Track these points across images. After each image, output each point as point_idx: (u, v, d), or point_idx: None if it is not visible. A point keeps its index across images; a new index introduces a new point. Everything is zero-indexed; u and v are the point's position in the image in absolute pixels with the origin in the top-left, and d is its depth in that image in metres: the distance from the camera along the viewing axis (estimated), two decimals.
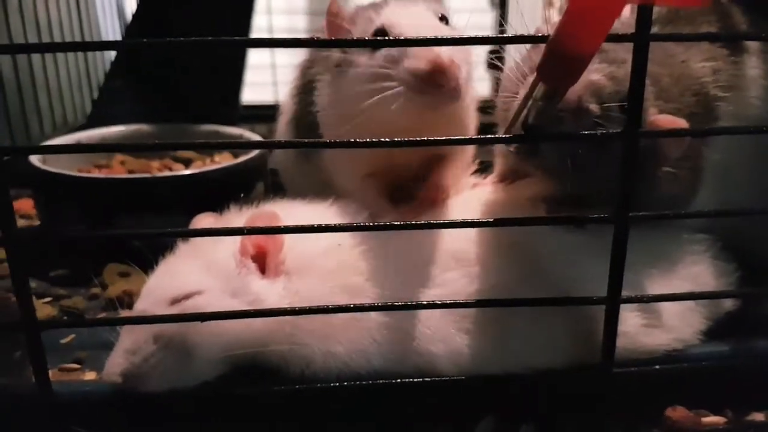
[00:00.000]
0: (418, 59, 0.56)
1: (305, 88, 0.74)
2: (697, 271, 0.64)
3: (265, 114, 1.39)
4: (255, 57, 1.53)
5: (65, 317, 0.75)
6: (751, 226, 0.67)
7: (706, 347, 0.61)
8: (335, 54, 0.64)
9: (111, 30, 1.86)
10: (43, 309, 0.74)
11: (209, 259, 0.57)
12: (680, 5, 0.44)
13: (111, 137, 1.09)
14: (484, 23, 1.74)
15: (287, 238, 0.58)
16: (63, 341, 0.68)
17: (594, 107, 0.52)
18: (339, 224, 0.54)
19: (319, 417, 0.56)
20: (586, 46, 0.40)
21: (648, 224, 0.61)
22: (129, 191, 0.86)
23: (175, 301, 0.54)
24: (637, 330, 0.57)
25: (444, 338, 0.57)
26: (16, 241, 0.47)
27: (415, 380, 0.56)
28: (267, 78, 1.69)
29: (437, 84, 0.56)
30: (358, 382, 0.55)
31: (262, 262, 0.57)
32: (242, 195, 0.90)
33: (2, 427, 0.53)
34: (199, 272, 0.56)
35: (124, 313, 0.71)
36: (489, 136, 0.50)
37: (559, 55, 0.41)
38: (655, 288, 0.59)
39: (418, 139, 0.48)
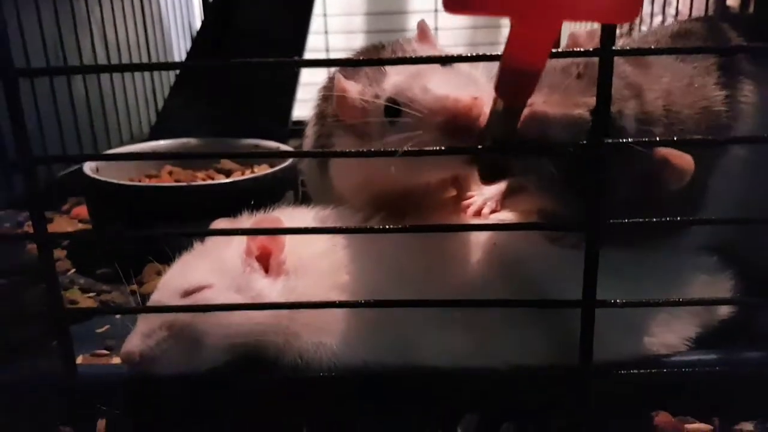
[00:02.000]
0: (435, 113, 0.56)
1: (321, 120, 0.78)
2: (690, 283, 0.65)
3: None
4: (308, 75, 1.62)
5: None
6: (748, 243, 0.69)
7: (692, 354, 0.63)
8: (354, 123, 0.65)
9: (182, 47, 2.00)
10: (86, 302, 0.83)
11: (219, 258, 0.63)
12: (608, 21, 0.46)
13: (159, 150, 1.19)
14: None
15: (288, 241, 0.64)
16: (98, 331, 0.77)
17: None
18: (329, 227, 0.60)
19: (309, 405, 0.61)
20: (533, 62, 0.43)
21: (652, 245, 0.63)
22: (165, 199, 0.93)
23: (187, 293, 0.60)
24: (616, 334, 0.59)
25: (426, 334, 0.61)
26: (45, 241, 0.55)
27: (400, 373, 0.60)
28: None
29: (464, 129, 0.55)
30: (336, 374, 0.59)
31: (266, 262, 0.63)
32: (270, 203, 0.98)
33: (34, 404, 0.60)
34: (209, 269, 0.62)
35: None
36: (458, 147, 0.53)
37: (510, 73, 0.44)
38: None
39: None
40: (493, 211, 0.68)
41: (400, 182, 0.64)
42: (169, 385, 0.60)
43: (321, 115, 0.80)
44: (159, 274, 0.88)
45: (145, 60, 1.76)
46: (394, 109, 0.60)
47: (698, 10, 1.10)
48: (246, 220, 0.68)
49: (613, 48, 0.50)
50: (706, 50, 0.66)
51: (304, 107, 1.57)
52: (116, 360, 0.70)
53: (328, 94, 0.78)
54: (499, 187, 0.69)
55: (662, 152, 0.56)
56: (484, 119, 0.53)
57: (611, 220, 0.53)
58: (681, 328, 0.63)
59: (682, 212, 0.59)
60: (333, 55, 1.89)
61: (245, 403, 0.61)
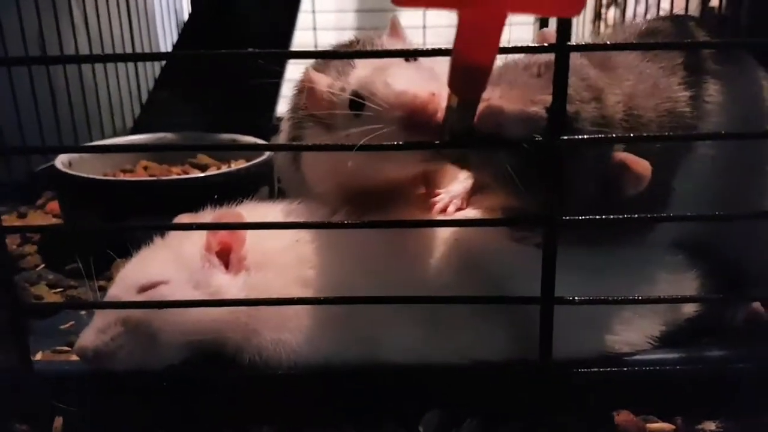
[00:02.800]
0: (394, 107, 0.56)
1: (295, 113, 0.78)
2: (654, 281, 0.65)
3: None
4: (294, 71, 1.60)
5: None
6: (717, 239, 0.69)
7: (655, 353, 0.62)
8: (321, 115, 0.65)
9: (169, 41, 1.98)
10: (52, 298, 0.82)
11: (178, 253, 0.63)
12: (553, 15, 0.46)
13: (135, 144, 1.18)
14: None
15: (251, 236, 0.63)
16: (62, 327, 0.76)
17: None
18: (289, 222, 0.59)
19: (267, 403, 0.60)
20: (482, 57, 0.42)
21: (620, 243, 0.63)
22: (136, 194, 0.92)
23: (143, 289, 0.59)
24: (578, 331, 0.59)
25: (389, 329, 0.60)
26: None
27: (361, 368, 0.59)
28: None
29: (422, 124, 0.54)
30: (295, 372, 0.59)
31: (226, 257, 0.63)
32: (244, 198, 0.97)
33: None
34: (167, 264, 0.62)
35: None
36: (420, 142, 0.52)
37: (460, 68, 0.44)
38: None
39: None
40: (459, 209, 0.68)
41: (362, 176, 0.63)
42: (126, 382, 0.60)
43: (294, 108, 0.80)
44: None
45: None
46: (357, 102, 0.59)
47: (680, 9, 1.10)
48: (208, 215, 0.67)
49: (569, 44, 0.49)
50: (663, 46, 0.65)
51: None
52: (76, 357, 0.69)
53: (301, 87, 0.78)
54: (466, 185, 0.69)
55: (620, 157, 0.56)
56: (441, 114, 0.53)
57: (567, 217, 0.53)
58: (644, 327, 0.62)
59: (646, 212, 0.59)
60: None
61: (202, 401, 0.60)
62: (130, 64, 1.77)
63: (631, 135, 0.56)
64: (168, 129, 1.24)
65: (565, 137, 0.50)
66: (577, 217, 0.54)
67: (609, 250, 0.63)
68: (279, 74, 1.53)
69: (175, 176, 1.07)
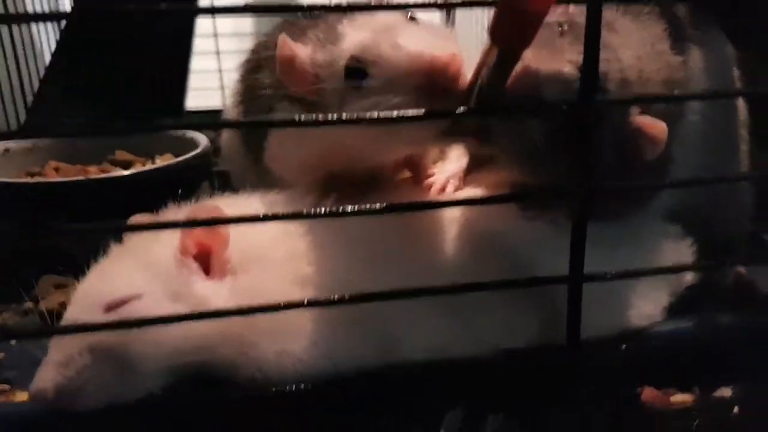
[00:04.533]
0: (410, 73, 0.49)
1: (251, 95, 0.69)
2: (661, 251, 0.63)
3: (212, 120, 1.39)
4: (201, 62, 1.48)
5: None
6: (708, 208, 0.68)
7: (670, 324, 0.61)
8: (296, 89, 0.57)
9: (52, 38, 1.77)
10: None
11: (146, 260, 0.53)
12: None
13: (44, 143, 1.03)
14: None
15: (231, 234, 0.54)
16: None
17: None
18: (291, 213, 0.51)
19: (273, 425, 0.52)
20: (540, 2, 0.37)
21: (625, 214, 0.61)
22: (61, 197, 0.80)
23: (111, 307, 0.49)
24: (599, 309, 0.56)
25: (405, 324, 0.55)
26: None
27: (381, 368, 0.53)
28: (214, 83, 1.64)
29: (444, 90, 0.48)
30: (304, 385, 0.51)
31: (205, 261, 0.53)
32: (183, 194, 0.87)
33: None
34: (136, 275, 0.52)
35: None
36: (439, 111, 0.46)
37: (511, 13, 0.38)
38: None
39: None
40: (456, 189, 0.62)
41: (361, 159, 0.56)
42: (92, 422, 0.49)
43: (251, 89, 0.70)
44: (59, 287, 0.76)
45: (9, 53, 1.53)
46: (358, 70, 0.51)
47: None
48: (172, 214, 0.57)
49: None
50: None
51: (197, 97, 1.46)
52: (21, 396, 0.57)
53: (263, 61, 0.69)
54: (461, 163, 0.64)
55: (638, 121, 0.54)
56: (464, 80, 0.47)
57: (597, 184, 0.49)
58: (657, 297, 0.60)
59: (653, 177, 0.57)
60: (221, 40, 1.74)
61: None
62: (11, 61, 1.57)
63: (663, 95, 0.54)
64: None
65: (600, 99, 0.47)
66: (609, 184, 0.50)
67: (616, 223, 0.61)
68: (184, 64, 1.42)
69: (116, 173, 0.92)
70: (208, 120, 1.37)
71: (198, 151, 0.94)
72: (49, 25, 1.77)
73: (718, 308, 0.64)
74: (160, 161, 1.06)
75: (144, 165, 1.04)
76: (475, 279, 0.54)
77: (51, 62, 1.43)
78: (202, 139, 1.01)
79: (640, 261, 0.59)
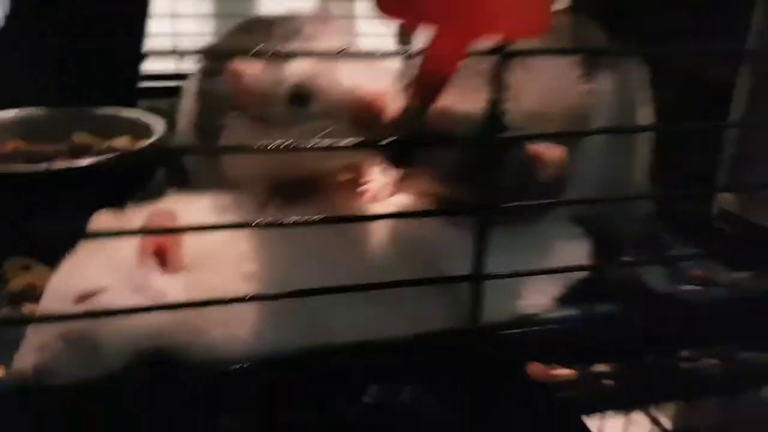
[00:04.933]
0: (346, 104, 0.58)
1: (205, 98, 0.75)
2: (558, 249, 0.75)
3: (166, 87, 1.37)
4: (155, 26, 1.48)
5: None
6: (605, 213, 0.80)
7: (555, 313, 0.73)
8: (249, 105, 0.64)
9: None
10: None
11: (111, 256, 0.61)
12: (521, 37, 0.51)
13: (2, 122, 1.07)
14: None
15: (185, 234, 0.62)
16: None
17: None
18: (237, 223, 0.60)
19: (223, 400, 0.62)
20: (449, 70, 0.47)
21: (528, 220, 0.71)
22: (22, 184, 0.85)
23: (81, 298, 0.57)
24: (497, 300, 0.67)
25: (335, 312, 0.64)
26: None
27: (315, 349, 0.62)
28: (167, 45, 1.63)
29: (373, 121, 0.57)
30: (249, 364, 0.61)
31: (162, 258, 0.62)
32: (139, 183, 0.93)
33: None
34: (102, 269, 0.60)
35: (29, 308, 0.75)
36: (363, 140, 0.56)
37: (427, 79, 0.48)
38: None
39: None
40: (389, 195, 0.72)
41: (304, 168, 0.64)
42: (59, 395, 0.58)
43: (205, 93, 0.77)
44: (26, 269, 0.82)
45: None
46: (300, 97, 0.60)
47: None
48: (133, 214, 0.65)
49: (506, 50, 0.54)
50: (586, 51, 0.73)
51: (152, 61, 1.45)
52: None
53: (217, 66, 0.75)
54: (392, 173, 0.73)
55: (535, 148, 0.64)
56: (390, 112, 0.56)
57: (499, 205, 0.60)
58: (550, 290, 0.72)
59: (554, 190, 0.68)
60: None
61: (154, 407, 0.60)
62: None
63: (560, 132, 0.64)
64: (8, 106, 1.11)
65: (503, 135, 0.57)
66: (505, 204, 0.60)
67: (519, 228, 0.71)
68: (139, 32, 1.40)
69: (77, 163, 0.94)
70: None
71: (157, 137, 0.99)
72: None
73: (603, 299, 0.77)
74: (117, 142, 1.11)
75: (101, 147, 1.09)
76: (397, 274, 0.65)
77: None
78: (158, 125, 1.05)
79: (539, 259, 0.71)
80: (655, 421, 1.17)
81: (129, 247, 0.61)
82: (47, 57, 1.22)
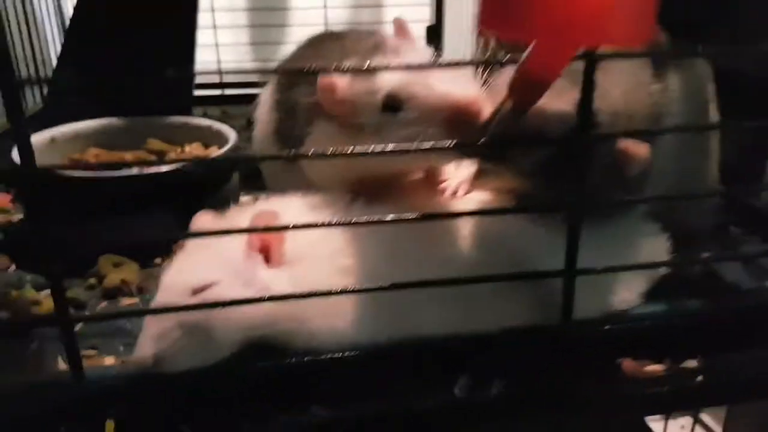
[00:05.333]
0: (440, 109, 0.60)
1: (286, 107, 0.78)
2: (641, 246, 0.75)
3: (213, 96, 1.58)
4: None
5: (71, 308, 0.79)
6: (680, 209, 0.81)
7: (645, 308, 0.73)
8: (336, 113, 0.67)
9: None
10: (47, 301, 0.78)
11: (220, 253, 0.64)
12: (621, 45, 0.53)
13: (85, 131, 1.12)
14: None
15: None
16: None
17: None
18: (341, 221, 0.62)
19: (321, 385, 0.64)
20: (550, 76, 0.48)
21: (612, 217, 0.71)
22: (111, 188, 0.89)
23: (195, 291, 0.61)
24: (587, 296, 0.67)
25: (426, 308, 0.66)
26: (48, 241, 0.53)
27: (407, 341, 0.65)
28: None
29: (466, 124, 0.59)
30: (348, 353, 0.63)
31: (267, 254, 0.65)
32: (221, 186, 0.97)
33: (44, 420, 0.58)
34: (213, 265, 0.63)
35: (126, 302, 0.81)
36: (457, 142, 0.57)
37: (526, 81, 0.49)
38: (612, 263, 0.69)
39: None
40: (466, 192, 0.74)
41: (390, 170, 0.67)
42: (177, 381, 0.61)
43: (285, 102, 0.80)
44: (116, 266, 0.86)
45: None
46: (394, 105, 0.62)
47: None
48: (235, 214, 0.68)
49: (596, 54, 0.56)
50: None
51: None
52: (108, 360, 0.68)
53: (292, 82, 0.78)
54: (471, 169, 0.75)
55: (623, 144, 0.65)
56: (482, 115, 0.58)
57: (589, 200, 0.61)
58: (636, 285, 0.73)
59: (636, 187, 0.69)
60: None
61: (258, 391, 0.63)
62: (28, 51, 1.60)
63: (645, 129, 0.65)
64: (78, 115, 1.16)
65: (592, 133, 0.58)
66: (598, 199, 0.61)
67: (603, 224, 0.72)
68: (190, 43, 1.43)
69: (171, 166, 0.96)
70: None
71: (232, 144, 1.02)
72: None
73: (687, 294, 0.77)
74: (189, 150, 1.15)
75: (176, 153, 1.13)
76: (484, 271, 0.66)
77: (62, 52, 1.43)
78: (230, 132, 1.08)
79: (624, 255, 0.71)
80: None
81: (236, 243, 0.64)
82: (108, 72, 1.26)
